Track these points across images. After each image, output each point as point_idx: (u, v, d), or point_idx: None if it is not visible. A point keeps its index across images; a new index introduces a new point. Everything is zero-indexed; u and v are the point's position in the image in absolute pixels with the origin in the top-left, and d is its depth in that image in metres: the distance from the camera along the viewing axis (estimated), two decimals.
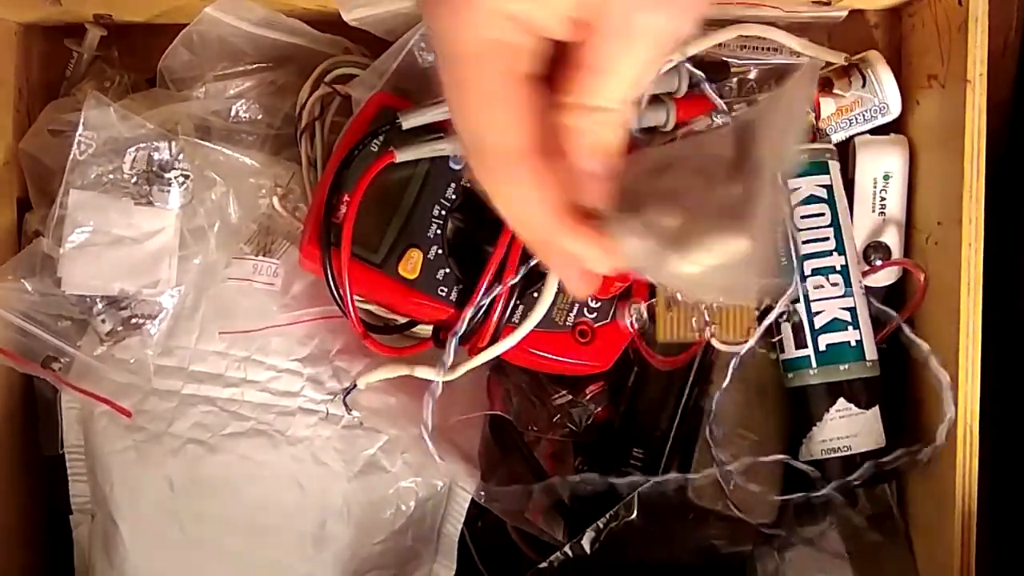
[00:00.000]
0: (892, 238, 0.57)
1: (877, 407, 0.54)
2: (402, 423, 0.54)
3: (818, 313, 0.54)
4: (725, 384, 0.54)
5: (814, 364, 0.54)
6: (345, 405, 0.53)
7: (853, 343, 0.54)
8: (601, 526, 0.53)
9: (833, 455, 0.54)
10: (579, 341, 0.53)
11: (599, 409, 0.57)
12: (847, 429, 0.54)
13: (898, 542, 0.57)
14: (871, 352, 0.54)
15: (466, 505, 0.55)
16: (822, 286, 0.54)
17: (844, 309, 0.54)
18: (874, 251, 0.56)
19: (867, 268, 0.56)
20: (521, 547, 0.56)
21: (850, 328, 0.54)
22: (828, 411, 0.54)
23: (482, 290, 0.50)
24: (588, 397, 0.57)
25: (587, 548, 0.53)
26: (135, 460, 0.54)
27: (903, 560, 0.57)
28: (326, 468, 0.53)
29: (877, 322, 0.55)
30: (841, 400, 0.54)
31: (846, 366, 0.54)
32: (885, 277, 0.57)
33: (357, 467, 0.54)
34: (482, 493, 0.54)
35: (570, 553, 0.53)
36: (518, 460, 0.55)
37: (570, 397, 0.57)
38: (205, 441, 0.54)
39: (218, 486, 0.54)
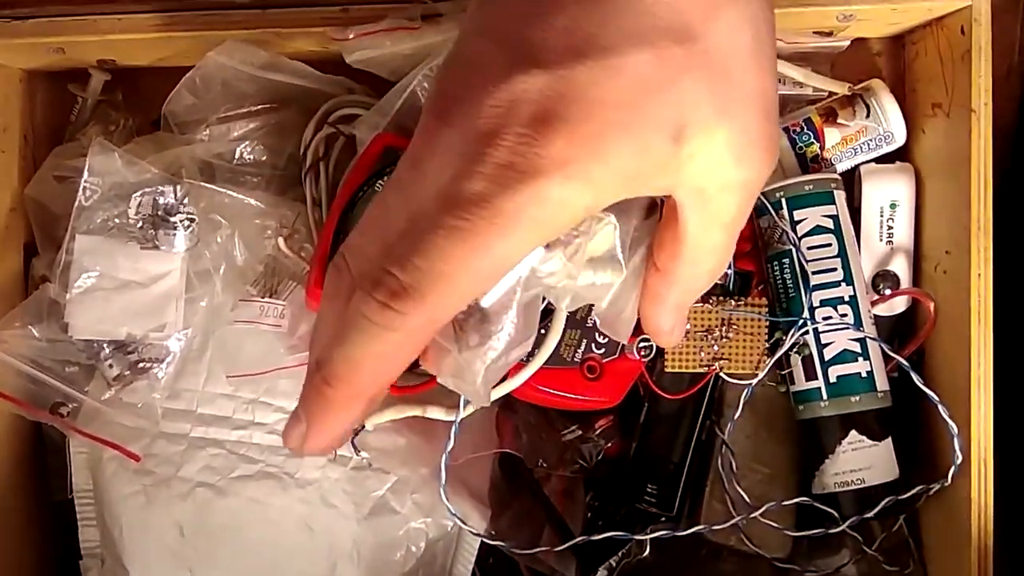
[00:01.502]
0: (900, 267, 0.56)
1: (890, 438, 0.53)
2: (411, 463, 0.53)
3: (827, 344, 0.53)
4: (736, 416, 0.53)
5: (824, 396, 0.53)
6: (353, 446, 0.52)
7: (864, 374, 0.53)
8: (614, 564, 0.53)
9: (847, 488, 0.53)
10: (588, 377, 0.53)
11: (609, 444, 0.56)
12: (860, 462, 0.53)
13: (914, 573, 0.56)
14: (882, 383, 0.54)
15: (477, 545, 0.55)
16: (831, 317, 0.53)
17: (854, 340, 0.53)
18: (882, 280, 0.56)
19: (876, 298, 0.56)
20: None
21: (860, 359, 0.53)
22: (840, 443, 0.53)
23: None
24: (598, 432, 0.57)
25: None
26: (144, 504, 0.54)
27: None
28: (335, 510, 0.53)
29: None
30: (853, 432, 0.53)
31: (857, 398, 0.53)
32: (894, 306, 0.57)
33: (366, 509, 0.53)
34: (492, 532, 0.53)
35: None
36: (528, 498, 0.55)
37: (580, 432, 0.56)
38: (214, 484, 0.53)
39: (227, 529, 0.53)
